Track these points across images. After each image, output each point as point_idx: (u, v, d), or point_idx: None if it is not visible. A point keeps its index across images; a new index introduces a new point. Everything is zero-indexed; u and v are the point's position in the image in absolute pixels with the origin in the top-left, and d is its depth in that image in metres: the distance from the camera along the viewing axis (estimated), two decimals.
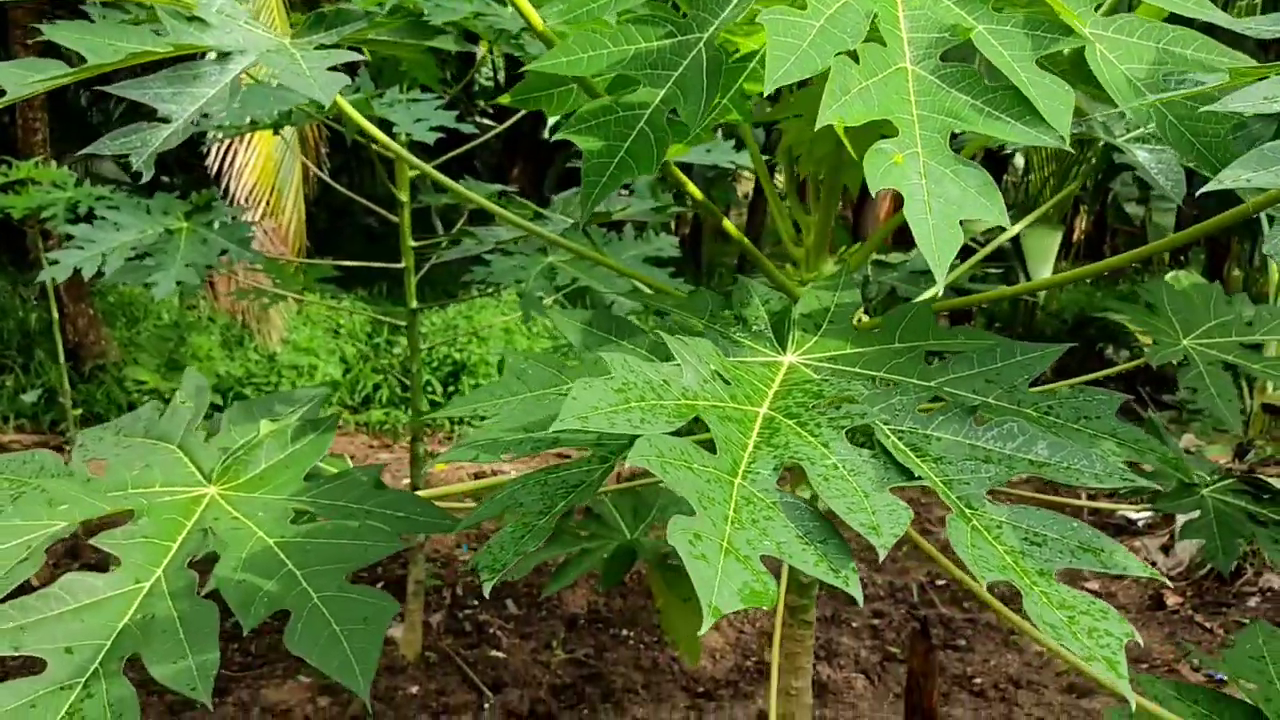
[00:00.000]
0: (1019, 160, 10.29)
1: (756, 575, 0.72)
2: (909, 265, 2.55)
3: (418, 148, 3.59)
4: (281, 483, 1.22)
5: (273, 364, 6.72)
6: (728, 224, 1.54)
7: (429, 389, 6.73)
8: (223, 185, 5.43)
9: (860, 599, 0.77)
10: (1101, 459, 0.89)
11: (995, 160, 9.48)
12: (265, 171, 5.60)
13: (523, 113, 3.97)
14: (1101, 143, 1.60)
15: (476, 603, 4.33)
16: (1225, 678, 1.21)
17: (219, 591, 1.06)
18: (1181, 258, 9.07)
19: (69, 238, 3.05)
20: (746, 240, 1.58)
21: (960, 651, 4.03)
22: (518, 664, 3.86)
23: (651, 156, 1.15)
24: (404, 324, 3.78)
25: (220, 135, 4.17)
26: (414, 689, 3.63)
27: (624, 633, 4.15)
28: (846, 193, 1.64)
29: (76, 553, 4.43)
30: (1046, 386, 1.20)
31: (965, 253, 2.53)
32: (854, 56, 1.03)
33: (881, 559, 0.73)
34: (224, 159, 5.53)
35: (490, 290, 7.80)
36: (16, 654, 1.01)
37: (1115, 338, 7.36)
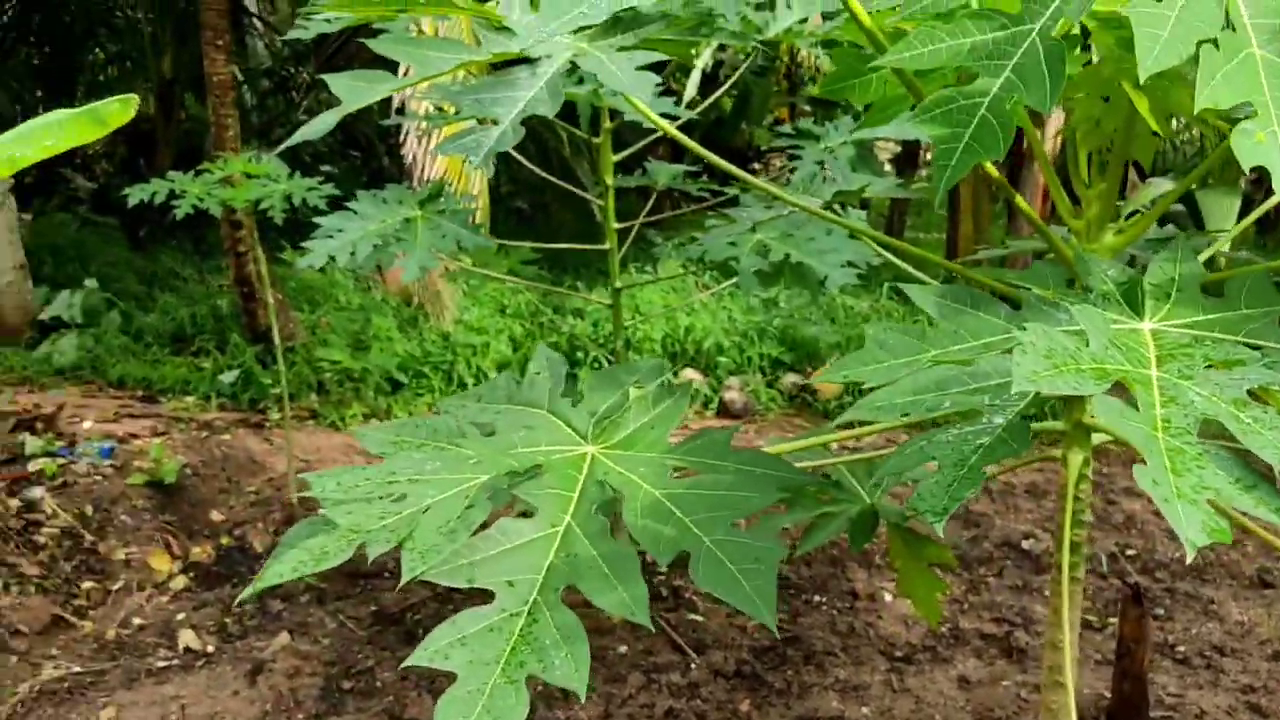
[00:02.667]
0: None
1: (1209, 515, 0.83)
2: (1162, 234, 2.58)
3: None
4: (650, 442, 1.37)
5: (447, 343, 7.03)
6: (1021, 202, 1.63)
7: (596, 365, 6.95)
8: (418, 172, 5.70)
9: None
10: None
11: None
12: (454, 158, 5.85)
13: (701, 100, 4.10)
14: None
15: (670, 568, 4.51)
16: None
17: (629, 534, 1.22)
18: None
19: (293, 231, 3.30)
20: (1035, 213, 1.67)
21: (1160, 620, 4.02)
22: (716, 627, 4.01)
23: (997, 140, 1.26)
24: (585, 299, 3.95)
25: (424, 125, 4.40)
26: (623, 649, 3.83)
27: (816, 599, 4.26)
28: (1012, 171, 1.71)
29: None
30: None
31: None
32: (1215, 44, 1.11)
33: None
34: (415, 144, 5.80)
35: (649, 272, 7.98)
36: (469, 586, 1.19)
37: None
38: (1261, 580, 4.37)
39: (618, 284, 3.74)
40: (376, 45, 1.87)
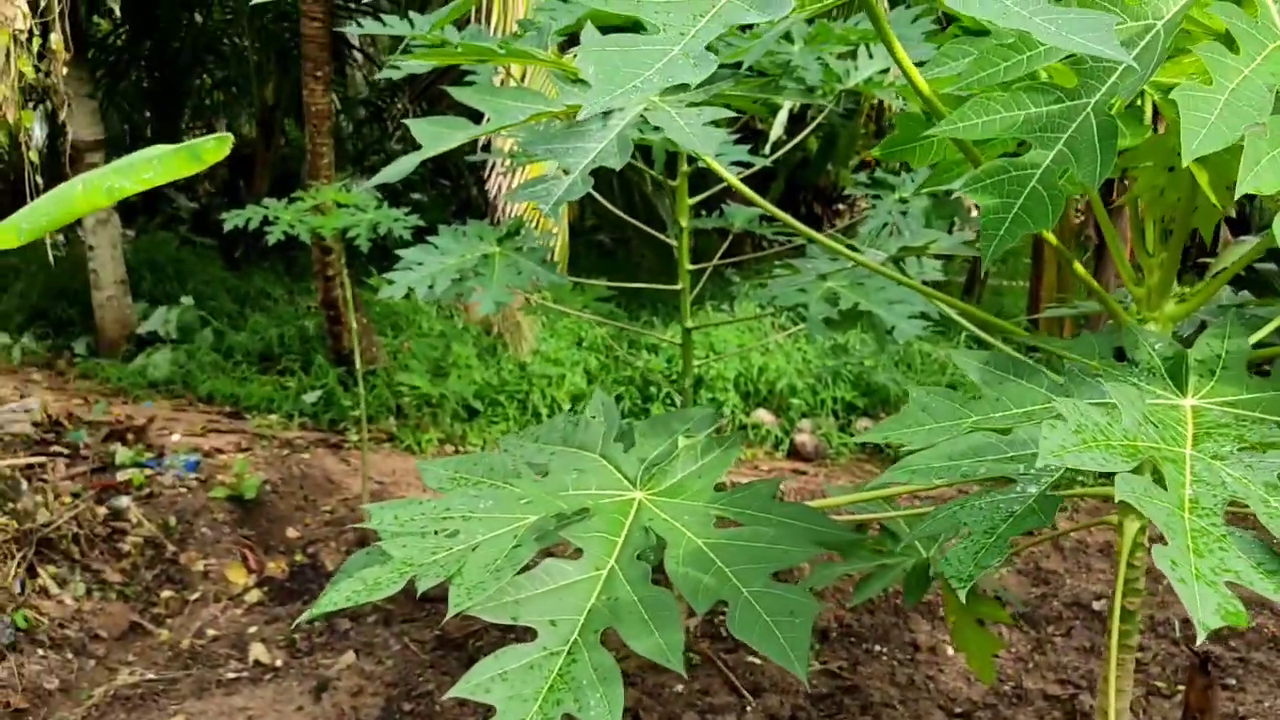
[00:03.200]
0: None
1: (1226, 599, 0.84)
2: (1216, 300, 2.55)
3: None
4: (697, 491, 1.41)
5: (524, 373, 7.14)
6: (1078, 266, 1.64)
7: (669, 401, 6.99)
8: (501, 205, 5.84)
9: None
10: None
11: None
12: None
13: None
14: None
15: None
16: None
17: (670, 581, 1.26)
18: None
19: (381, 257, 3.42)
20: (1095, 282, 1.68)
21: (1230, 690, 3.90)
22: (774, 670, 4.01)
23: (1046, 213, 1.28)
24: (662, 338, 4.00)
25: (510, 161, 4.52)
26: (679, 687, 3.84)
27: (876, 648, 4.23)
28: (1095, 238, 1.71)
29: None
30: None
31: None
32: (1262, 127, 1.12)
33: None
34: (495, 182, 5.95)
35: (727, 310, 8.02)
36: (513, 623, 1.24)
37: None
38: None
39: (689, 324, 3.79)
40: (457, 93, 1.96)
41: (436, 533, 1.31)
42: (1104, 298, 1.63)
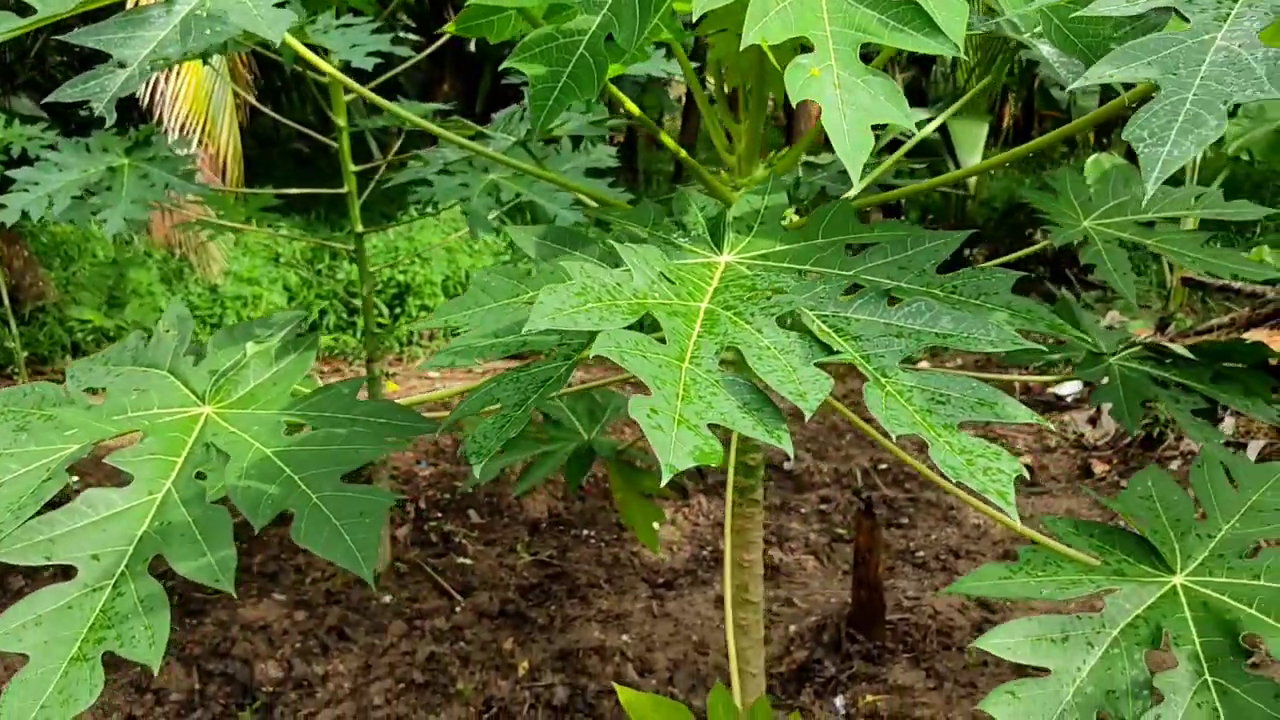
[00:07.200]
0: None
1: (705, 440, 0.85)
2: (836, 165, 2.67)
3: (350, 72, 3.61)
4: (270, 399, 1.33)
5: (216, 296, 6.72)
6: (665, 136, 1.64)
7: (375, 311, 6.77)
8: (155, 116, 5.36)
9: (791, 453, 0.91)
10: (996, 328, 1.03)
11: (923, 55, 9.58)
12: (197, 100, 5.54)
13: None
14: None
15: (440, 515, 4.48)
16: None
17: (228, 498, 1.18)
18: (1104, 140, 9.29)
19: (9, 181, 3.06)
20: (683, 151, 1.69)
21: (903, 529, 4.27)
22: (485, 569, 4.03)
23: (593, 80, 1.26)
24: (347, 249, 3.85)
25: (149, 67, 4.13)
26: (387, 598, 3.79)
27: (585, 533, 4.33)
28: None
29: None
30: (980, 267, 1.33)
31: (893, 146, 2.64)
32: None
33: (808, 418, 0.87)
34: (153, 90, 5.45)
35: (430, 211, 7.80)
36: (48, 564, 1.13)
37: (1039, 223, 7.59)
38: None
39: (359, 228, 3.63)
40: None
41: None
42: (693, 165, 1.65)
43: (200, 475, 1.21)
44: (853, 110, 1.05)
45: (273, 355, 1.37)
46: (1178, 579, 1.24)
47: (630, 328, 0.93)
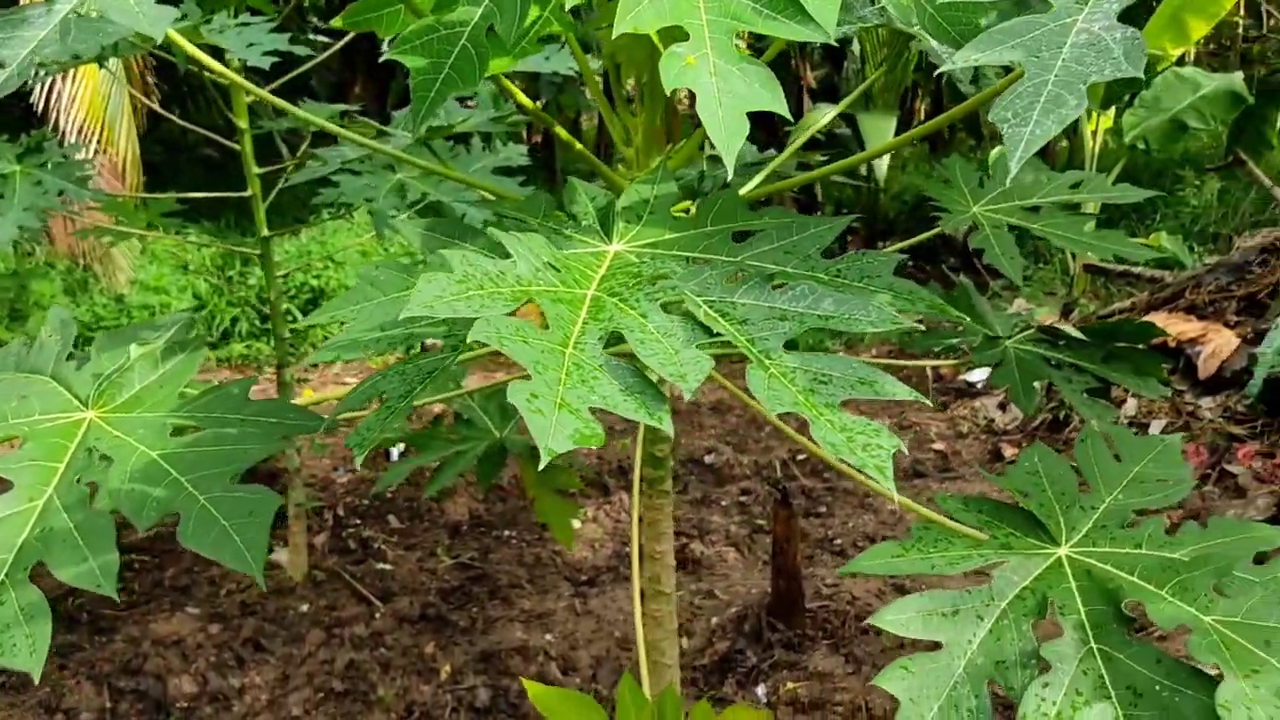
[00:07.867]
0: (857, 48, 10.54)
1: (585, 423, 0.86)
2: (744, 159, 2.70)
3: (253, 73, 3.55)
4: (157, 401, 1.30)
5: (122, 305, 6.55)
6: (560, 130, 1.65)
7: (289, 317, 6.66)
8: (51, 122, 5.20)
9: (671, 432, 0.92)
10: (878, 309, 1.05)
11: (834, 51, 9.72)
12: (94, 105, 5.39)
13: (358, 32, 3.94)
14: None
15: (359, 521, 4.43)
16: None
17: (111, 504, 1.15)
18: None
19: None
20: (578, 143, 1.70)
21: (821, 518, 4.33)
22: (405, 574, 3.99)
23: (474, 71, 1.25)
24: (256, 253, 3.78)
25: (43, 71, 4.02)
26: (304, 607, 3.73)
27: (506, 534, 4.31)
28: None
29: None
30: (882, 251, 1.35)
31: (814, 145, 2.67)
32: None
33: (688, 398, 0.88)
34: (49, 95, 5.29)
35: (341, 212, 7.68)
36: None
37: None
38: (915, 471, 4.78)
39: (264, 232, 3.57)
40: None
41: None
42: (589, 158, 1.66)
43: (88, 482, 1.18)
44: (729, 98, 1.06)
45: (159, 357, 1.34)
46: (1062, 550, 1.28)
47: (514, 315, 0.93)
